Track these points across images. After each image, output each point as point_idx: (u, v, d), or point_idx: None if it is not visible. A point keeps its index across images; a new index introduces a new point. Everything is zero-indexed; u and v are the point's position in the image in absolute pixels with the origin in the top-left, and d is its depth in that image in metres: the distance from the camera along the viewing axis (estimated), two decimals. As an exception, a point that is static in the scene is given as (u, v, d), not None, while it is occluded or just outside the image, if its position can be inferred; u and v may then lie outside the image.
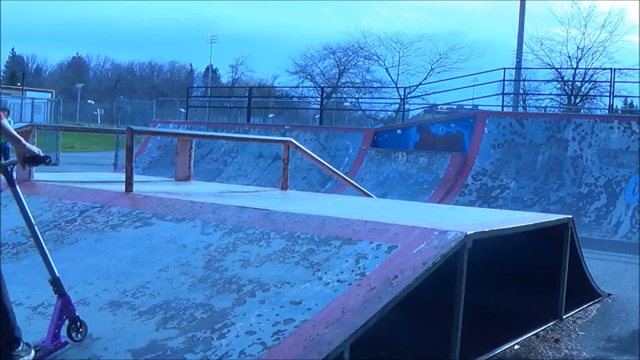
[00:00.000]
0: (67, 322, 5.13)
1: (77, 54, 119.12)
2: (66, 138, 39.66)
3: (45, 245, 5.23)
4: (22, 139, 4.99)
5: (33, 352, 4.87)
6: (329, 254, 5.90)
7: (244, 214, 7.09)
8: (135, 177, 8.72)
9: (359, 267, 5.57)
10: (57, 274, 5.16)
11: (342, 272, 5.55)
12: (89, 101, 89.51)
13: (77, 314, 5.20)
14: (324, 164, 12.63)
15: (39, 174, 9.60)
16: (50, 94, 63.02)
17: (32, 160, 5.02)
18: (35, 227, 5.14)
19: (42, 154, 5.02)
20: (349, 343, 4.68)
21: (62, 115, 51.77)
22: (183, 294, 5.69)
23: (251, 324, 5.04)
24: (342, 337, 4.67)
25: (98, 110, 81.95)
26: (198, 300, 5.53)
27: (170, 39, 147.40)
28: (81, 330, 5.18)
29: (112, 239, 7.07)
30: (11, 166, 5.22)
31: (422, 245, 5.71)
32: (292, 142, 11.29)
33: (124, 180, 8.57)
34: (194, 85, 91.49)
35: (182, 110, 46.98)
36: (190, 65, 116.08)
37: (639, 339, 7.89)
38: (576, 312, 8.66)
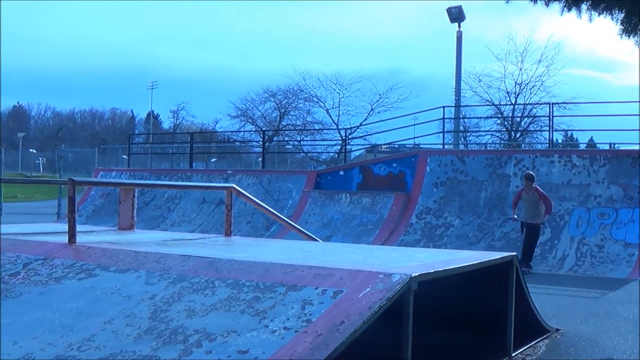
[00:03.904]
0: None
1: (18, 102, 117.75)
2: (8, 188, 39.28)
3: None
4: None
5: None
6: (274, 301, 5.88)
7: (188, 263, 7.06)
8: (78, 227, 8.65)
9: (305, 314, 5.56)
10: None
11: (288, 319, 5.54)
12: (31, 150, 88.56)
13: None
14: (267, 209, 12.63)
15: (-20, 228, 9.49)
16: (-9, 144, 62.33)
17: None
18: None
19: None
20: (298, 391, 4.67)
21: (4, 165, 51.22)
22: (129, 346, 5.63)
23: (198, 375, 5.01)
24: (291, 385, 4.66)
25: (40, 159, 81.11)
26: (144, 352, 5.48)
27: (110, 86, 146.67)
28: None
29: (56, 292, 6.98)
30: None
31: (368, 289, 5.72)
32: (234, 188, 11.28)
33: (67, 231, 8.49)
34: (136, 132, 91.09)
35: (125, 157, 46.65)
36: (132, 112, 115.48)
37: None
38: (525, 349, 8.67)
